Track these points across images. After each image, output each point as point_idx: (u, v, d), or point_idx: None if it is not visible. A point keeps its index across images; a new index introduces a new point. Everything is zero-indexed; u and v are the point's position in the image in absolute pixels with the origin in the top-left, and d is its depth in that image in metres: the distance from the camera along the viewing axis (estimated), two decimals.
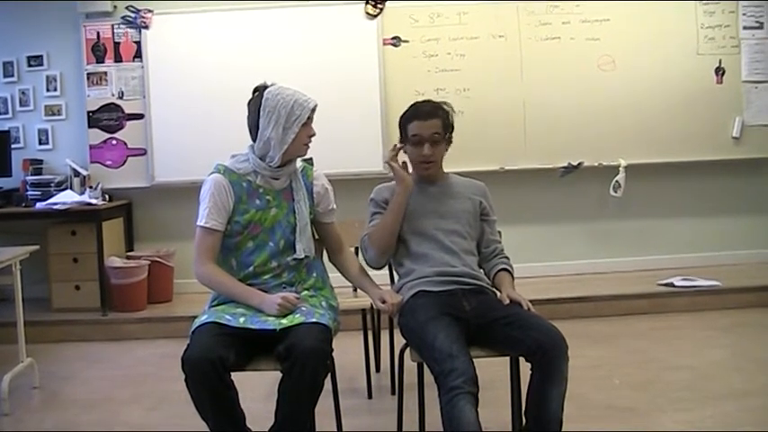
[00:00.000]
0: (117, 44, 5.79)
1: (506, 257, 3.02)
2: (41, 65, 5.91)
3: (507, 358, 2.78)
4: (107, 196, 5.61)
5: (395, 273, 3.13)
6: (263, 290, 2.76)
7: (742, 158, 5.90)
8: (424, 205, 2.97)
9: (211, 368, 2.41)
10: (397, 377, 3.01)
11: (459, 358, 2.45)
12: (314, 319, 2.60)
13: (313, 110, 2.79)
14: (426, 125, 2.93)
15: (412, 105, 3.02)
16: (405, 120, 2.99)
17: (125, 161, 5.82)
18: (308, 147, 2.83)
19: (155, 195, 5.85)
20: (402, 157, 2.98)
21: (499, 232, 3.10)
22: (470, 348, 2.63)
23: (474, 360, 2.50)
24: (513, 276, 2.97)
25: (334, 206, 2.98)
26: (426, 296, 2.81)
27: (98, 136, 5.81)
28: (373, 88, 5.72)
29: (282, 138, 2.73)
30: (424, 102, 3.03)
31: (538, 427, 2.51)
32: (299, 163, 2.91)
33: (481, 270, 3.01)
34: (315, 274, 2.89)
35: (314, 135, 2.82)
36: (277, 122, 2.73)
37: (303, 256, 2.78)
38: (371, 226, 2.98)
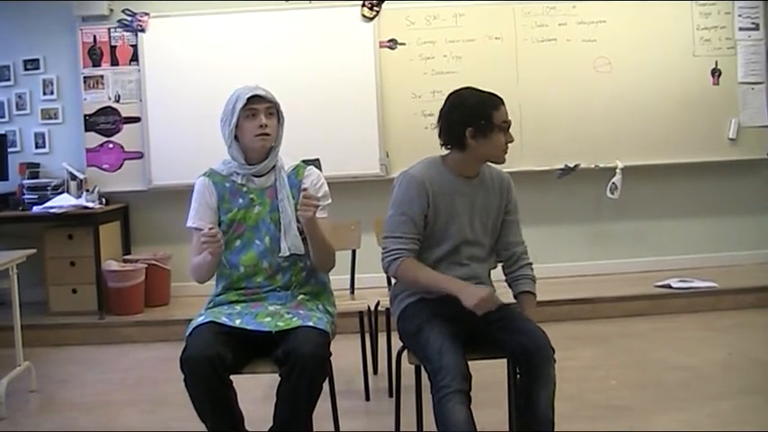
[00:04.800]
0: (113, 47, 5.78)
1: (529, 264, 2.90)
2: (38, 68, 5.91)
3: (504, 360, 2.79)
4: (104, 200, 5.60)
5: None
6: (257, 294, 2.77)
7: (738, 160, 5.91)
8: (454, 209, 2.77)
9: (210, 365, 2.42)
10: (394, 379, 3.01)
11: (448, 355, 2.46)
12: (310, 323, 2.60)
13: (253, 99, 2.71)
14: (505, 109, 2.74)
15: (471, 97, 2.75)
16: (487, 110, 2.69)
17: (122, 165, 5.82)
18: (263, 140, 2.73)
19: (151, 199, 5.85)
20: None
21: None
22: (464, 352, 2.63)
23: (469, 362, 2.50)
24: (534, 292, 2.85)
25: (325, 202, 2.86)
26: (425, 301, 2.79)
27: (95, 139, 5.80)
28: (370, 91, 5.71)
29: (228, 132, 2.77)
30: (471, 89, 2.79)
31: (529, 429, 2.51)
32: (291, 162, 2.91)
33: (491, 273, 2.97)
34: (313, 281, 2.88)
35: (264, 126, 2.71)
36: (223, 120, 2.78)
37: (288, 253, 2.76)
38: (399, 249, 2.70)
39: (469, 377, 2.45)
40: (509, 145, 2.78)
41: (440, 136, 2.81)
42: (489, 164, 2.89)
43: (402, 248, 2.70)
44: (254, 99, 2.72)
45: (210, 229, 2.61)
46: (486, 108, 2.70)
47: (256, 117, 2.72)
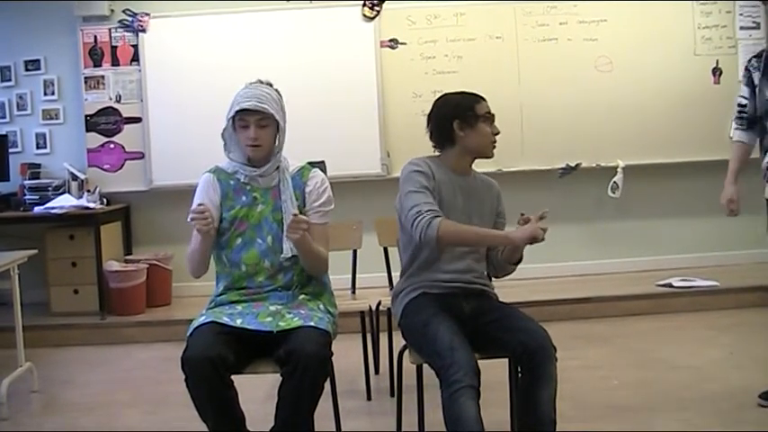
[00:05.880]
0: (114, 48, 5.79)
1: None
2: (39, 69, 5.91)
3: (506, 359, 2.79)
4: (105, 200, 5.61)
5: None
6: (258, 293, 2.77)
7: None
8: (455, 200, 2.86)
9: (211, 366, 2.42)
10: (396, 379, 3.01)
11: (460, 351, 2.48)
12: (312, 323, 2.60)
13: (243, 111, 2.68)
14: (488, 104, 2.90)
15: (455, 96, 2.91)
16: (470, 102, 2.86)
17: (123, 165, 5.82)
18: (253, 150, 2.74)
19: (153, 199, 5.85)
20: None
21: None
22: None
23: None
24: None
25: (326, 208, 2.86)
26: (428, 296, 2.81)
27: (96, 140, 5.80)
28: (371, 90, 5.72)
29: (225, 133, 2.80)
30: (453, 92, 2.96)
31: (530, 428, 2.52)
32: (297, 164, 2.90)
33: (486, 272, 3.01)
34: (315, 281, 2.88)
35: (254, 138, 2.71)
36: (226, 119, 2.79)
37: (291, 254, 2.76)
38: (429, 211, 2.69)
39: (479, 372, 2.46)
40: (497, 138, 2.90)
41: (431, 138, 2.94)
42: (481, 174, 3.01)
43: (436, 209, 2.72)
44: (244, 111, 2.70)
45: (200, 205, 2.63)
46: (468, 101, 2.88)
47: (247, 128, 2.72)
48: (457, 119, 2.84)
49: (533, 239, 2.61)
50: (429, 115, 2.94)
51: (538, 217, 2.66)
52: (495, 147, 2.90)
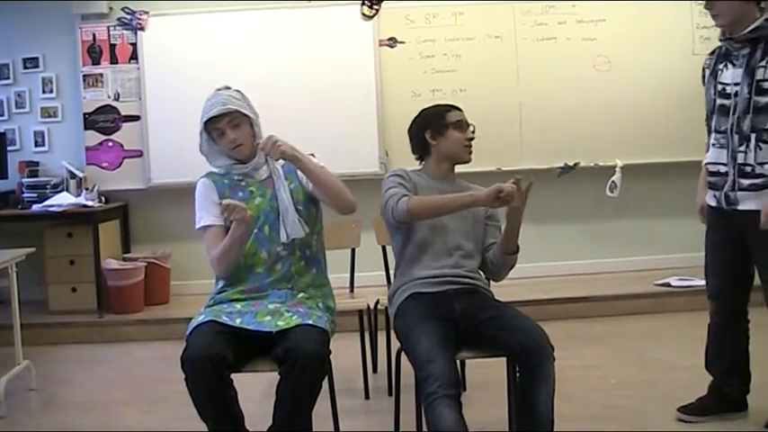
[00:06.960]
0: (113, 46, 5.78)
1: None
2: (37, 67, 5.90)
3: (504, 359, 2.79)
4: (103, 198, 5.60)
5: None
6: (258, 288, 2.78)
7: None
8: None
9: (211, 365, 2.43)
10: (393, 378, 3.02)
11: (437, 362, 2.49)
12: (310, 321, 2.61)
13: (213, 119, 2.76)
14: (461, 113, 3.05)
15: (429, 109, 3.09)
16: (441, 112, 3.04)
17: (121, 163, 5.82)
18: (237, 151, 2.80)
19: (151, 197, 5.85)
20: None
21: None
22: (461, 350, 2.68)
23: (467, 361, 2.52)
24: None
25: (322, 162, 2.89)
26: (418, 298, 2.83)
27: (94, 138, 5.80)
28: (369, 89, 5.71)
29: (202, 148, 2.87)
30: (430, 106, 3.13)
31: (528, 428, 2.53)
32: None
33: (481, 273, 3.03)
34: (314, 270, 2.89)
35: (233, 140, 2.77)
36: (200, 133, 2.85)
37: (288, 240, 2.77)
38: (399, 193, 2.86)
39: (457, 381, 2.49)
40: (473, 143, 3.03)
41: (413, 152, 3.12)
42: (468, 183, 3.08)
43: (405, 193, 2.86)
44: (213, 119, 2.76)
45: (220, 204, 2.63)
46: (439, 112, 3.05)
47: (224, 135, 2.78)
48: (428, 129, 3.01)
49: (499, 194, 2.66)
50: (408, 131, 3.10)
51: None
52: (470, 152, 3.02)
